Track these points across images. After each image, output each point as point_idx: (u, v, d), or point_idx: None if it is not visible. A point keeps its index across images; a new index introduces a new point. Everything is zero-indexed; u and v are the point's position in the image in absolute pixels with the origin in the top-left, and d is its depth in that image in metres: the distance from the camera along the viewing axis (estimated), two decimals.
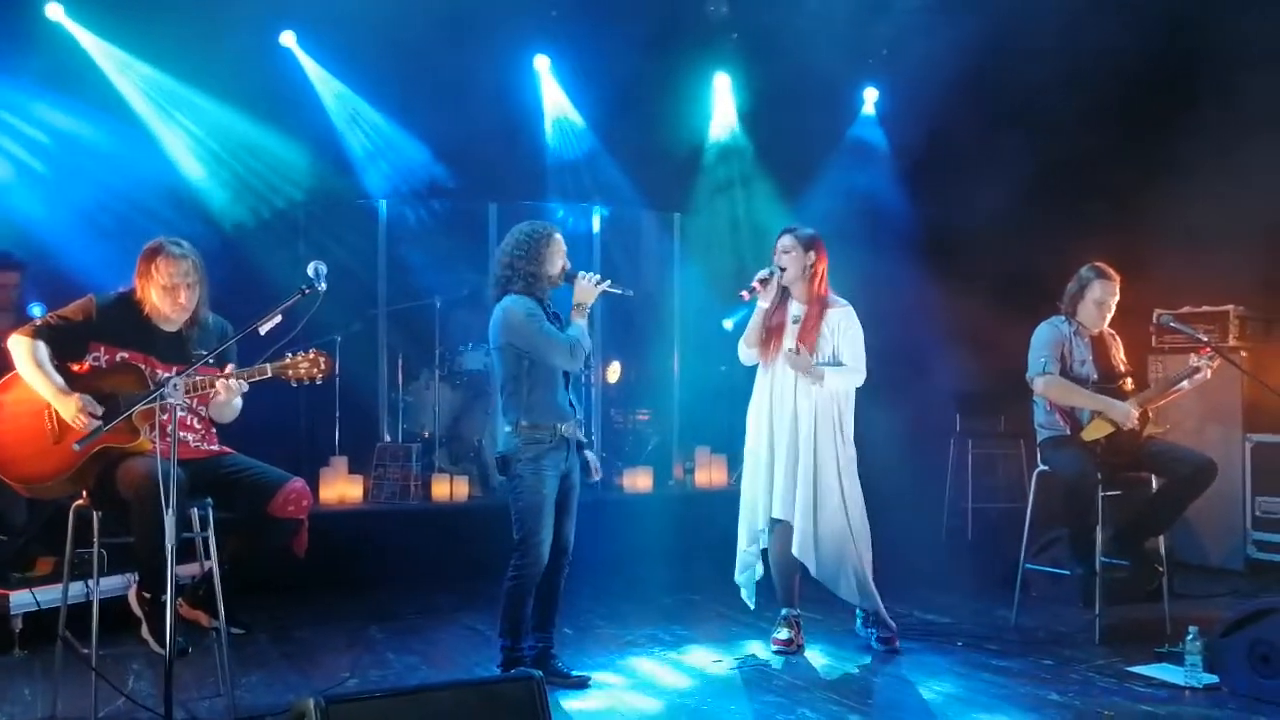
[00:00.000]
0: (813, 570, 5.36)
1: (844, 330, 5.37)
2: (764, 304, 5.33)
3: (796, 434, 5.35)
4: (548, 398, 4.78)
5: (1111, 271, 5.69)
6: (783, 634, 5.44)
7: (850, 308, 5.44)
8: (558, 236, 4.89)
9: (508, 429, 4.80)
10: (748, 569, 5.56)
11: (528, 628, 4.85)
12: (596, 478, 5.12)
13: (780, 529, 5.37)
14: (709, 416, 8.78)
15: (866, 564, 5.41)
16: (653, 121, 8.54)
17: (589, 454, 5.08)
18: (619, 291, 4.96)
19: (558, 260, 4.86)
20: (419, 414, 8.35)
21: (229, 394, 4.20)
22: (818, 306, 5.38)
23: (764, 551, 5.51)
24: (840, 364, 5.32)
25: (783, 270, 5.35)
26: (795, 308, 5.41)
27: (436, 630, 5.88)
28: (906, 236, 8.33)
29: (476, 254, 8.15)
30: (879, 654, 5.38)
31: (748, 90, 9.03)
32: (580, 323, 4.84)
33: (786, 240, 5.40)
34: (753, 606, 5.63)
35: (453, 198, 8.45)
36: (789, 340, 5.35)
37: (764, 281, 5.31)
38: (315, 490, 7.12)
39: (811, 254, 5.38)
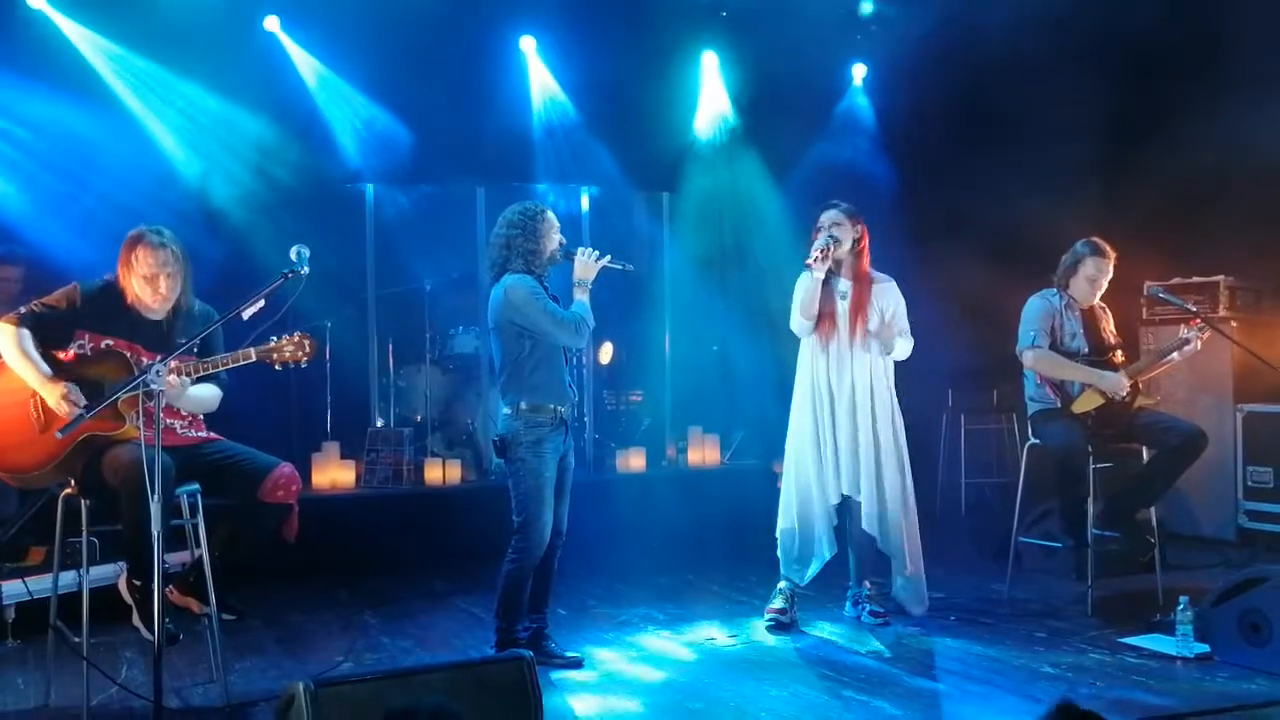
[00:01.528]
0: (880, 543, 5.41)
1: (892, 306, 5.45)
2: (819, 275, 5.29)
3: (854, 408, 5.37)
4: (549, 378, 4.78)
5: (1107, 248, 5.68)
6: (778, 603, 5.46)
7: (893, 282, 5.50)
8: (550, 214, 4.90)
9: (507, 411, 4.79)
10: (805, 548, 5.45)
11: (525, 610, 4.86)
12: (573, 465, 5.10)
13: (854, 506, 5.40)
14: (701, 396, 8.77)
15: (915, 531, 5.48)
16: (640, 101, 8.49)
17: None
18: (619, 267, 4.95)
19: (554, 237, 4.87)
20: (411, 398, 8.34)
21: (174, 388, 4.12)
22: (866, 282, 5.42)
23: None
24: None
25: (838, 242, 5.32)
26: (841, 284, 5.41)
27: (431, 614, 5.89)
28: (896, 212, 8.29)
29: (465, 237, 8.11)
30: (872, 629, 5.39)
31: (736, 68, 8.97)
32: (584, 300, 4.83)
33: (834, 214, 5.39)
34: (804, 583, 5.53)
35: (440, 181, 8.40)
36: (843, 320, 5.36)
37: (825, 252, 5.26)
38: (307, 476, 7.11)
39: (859, 228, 5.40)
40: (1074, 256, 5.73)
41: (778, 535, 5.53)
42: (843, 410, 5.37)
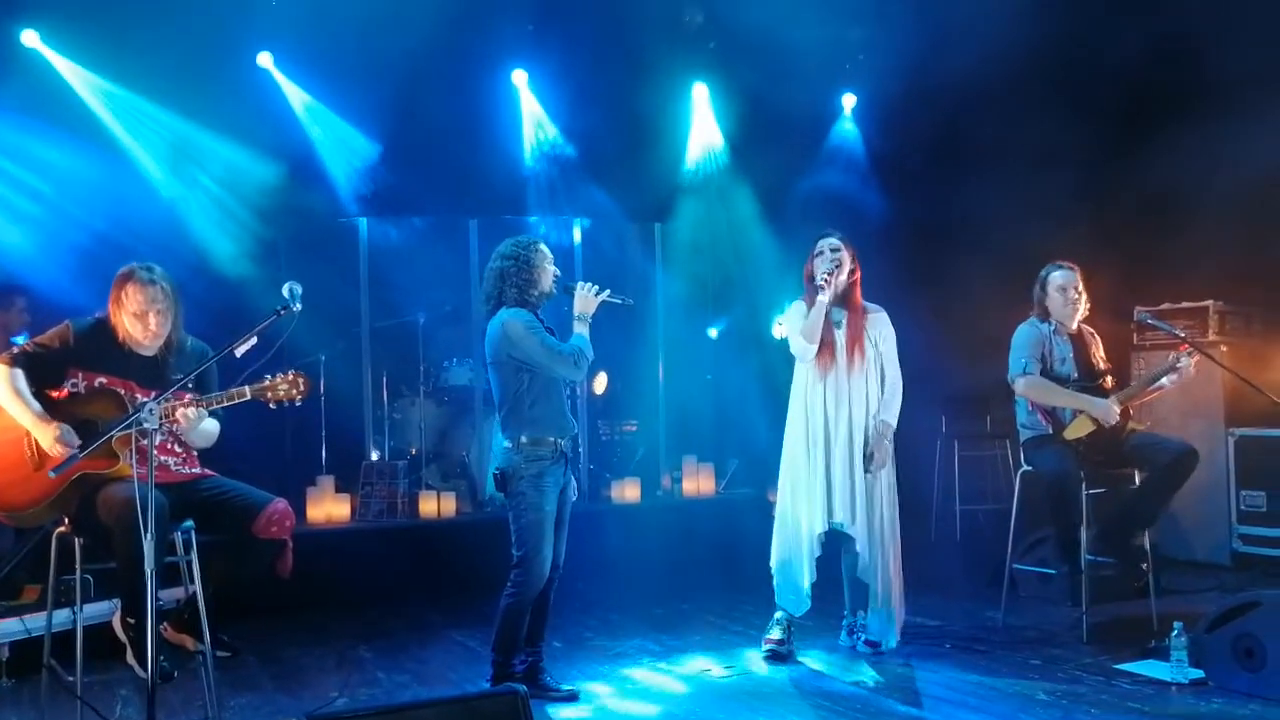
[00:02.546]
0: (860, 572, 5.39)
1: (885, 338, 5.48)
2: (826, 299, 5.30)
3: (851, 439, 5.36)
4: (550, 411, 4.80)
5: (1067, 262, 5.78)
6: (776, 633, 5.44)
7: (884, 311, 5.52)
8: (544, 247, 4.93)
9: (507, 445, 4.79)
10: (797, 578, 5.41)
11: (521, 643, 4.86)
12: (572, 498, 5.11)
13: (847, 536, 5.38)
14: (695, 426, 8.79)
15: (898, 568, 5.46)
16: (632, 133, 8.55)
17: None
18: (619, 301, 4.98)
19: (548, 269, 4.89)
20: (405, 431, 8.35)
21: (188, 422, 4.18)
22: (860, 311, 5.44)
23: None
24: (882, 372, 5.44)
25: (841, 268, 5.35)
26: (835, 312, 5.42)
27: (427, 648, 5.86)
28: (888, 240, 8.35)
29: (458, 270, 8.15)
30: (867, 658, 5.38)
31: (726, 99, 9.04)
32: (583, 333, 4.85)
33: (835, 240, 5.41)
34: (800, 614, 5.51)
35: (432, 214, 8.45)
36: (840, 349, 5.37)
37: (833, 275, 5.30)
38: (302, 510, 7.11)
39: (853, 257, 5.43)
40: (1039, 282, 5.82)
41: (773, 566, 5.52)
42: (840, 440, 5.37)
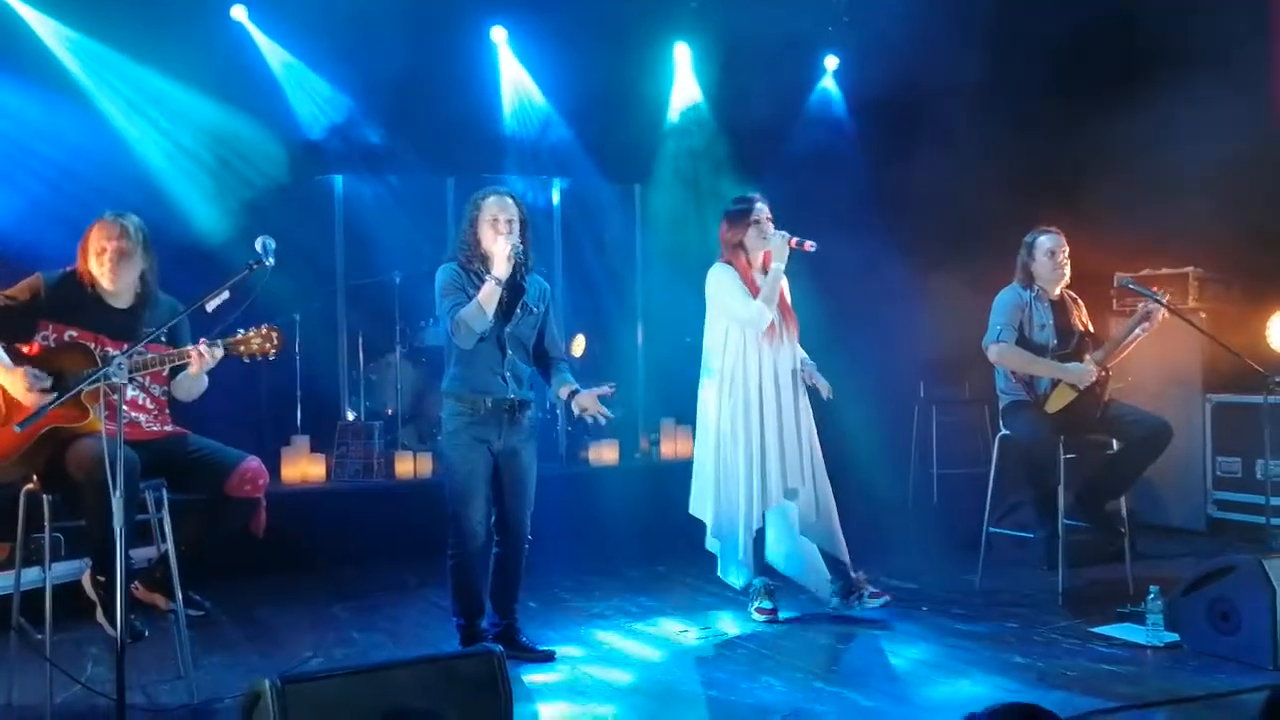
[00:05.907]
0: (813, 535, 5.40)
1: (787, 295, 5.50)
2: (780, 266, 5.26)
3: (796, 401, 5.36)
4: (467, 371, 4.73)
5: (1052, 227, 5.75)
6: (768, 603, 5.39)
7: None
8: (487, 201, 4.68)
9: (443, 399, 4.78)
10: (744, 552, 5.35)
11: (481, 604, 4.82)
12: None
13: (801, 498, 5.35)
14: (674, 388, 8.74)
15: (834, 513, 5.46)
16: (612, 92, 8.45)
17: (585, 395, 5.01)
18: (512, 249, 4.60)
19: (485, 229, 4.66)
20: (381, 392, 8.28)
21: (201, 363, 4.13)
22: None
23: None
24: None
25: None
26: (758, 277, 5.38)
27: (402, 608, 5.84)
28: (867, 202, 8.30)
29: (435, 228, 8.05)
30: (844, 621, 5.35)
31: (708, 59, 8.95)
32: (480, 297, 4.57)
33: (767, 208, 5.38)
34: (740, 586, 5.51)
35: (410, 172, 8.33)
36: (778, 321, 5.34)
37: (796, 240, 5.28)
38: (277, 470, 7.06)
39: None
40: (1025, 247, 5.79)
41: (716, 543, 5.44)
42: (789, 402, 5.34)
